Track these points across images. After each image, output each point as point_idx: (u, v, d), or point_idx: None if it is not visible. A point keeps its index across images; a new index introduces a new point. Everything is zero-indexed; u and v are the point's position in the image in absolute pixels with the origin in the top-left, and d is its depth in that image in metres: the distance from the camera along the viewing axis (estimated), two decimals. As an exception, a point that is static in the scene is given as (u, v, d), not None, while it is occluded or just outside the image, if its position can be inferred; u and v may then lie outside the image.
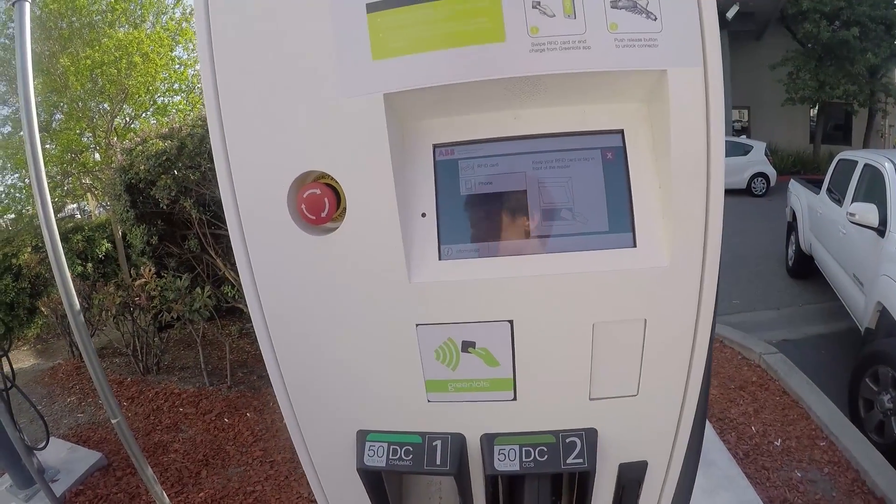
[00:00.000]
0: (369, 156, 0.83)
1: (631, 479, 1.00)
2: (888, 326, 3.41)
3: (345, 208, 0.86)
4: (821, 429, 3.27)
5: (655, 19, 0.79)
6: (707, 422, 3.21)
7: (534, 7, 0.78)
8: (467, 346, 0.90)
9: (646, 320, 0.87)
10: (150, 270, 4.12)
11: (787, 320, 5.38)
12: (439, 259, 0.87)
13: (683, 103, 0.80)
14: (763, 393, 3.73)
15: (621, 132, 0.87)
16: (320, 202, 0.84)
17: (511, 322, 0.88)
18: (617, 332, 0.88)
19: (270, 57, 0.84)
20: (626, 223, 0.86)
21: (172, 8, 8.69)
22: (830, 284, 5.05)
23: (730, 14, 14.53)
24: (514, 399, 0.93)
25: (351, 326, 0.91)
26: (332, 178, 0.86)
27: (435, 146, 0.89)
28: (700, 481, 2.58)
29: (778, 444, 3.16)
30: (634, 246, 0.85)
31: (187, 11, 8.64)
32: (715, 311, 0.91)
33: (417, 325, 0.89)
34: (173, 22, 8.55)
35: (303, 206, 0.85)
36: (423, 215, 0.88)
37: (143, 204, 4.77)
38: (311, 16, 0.82)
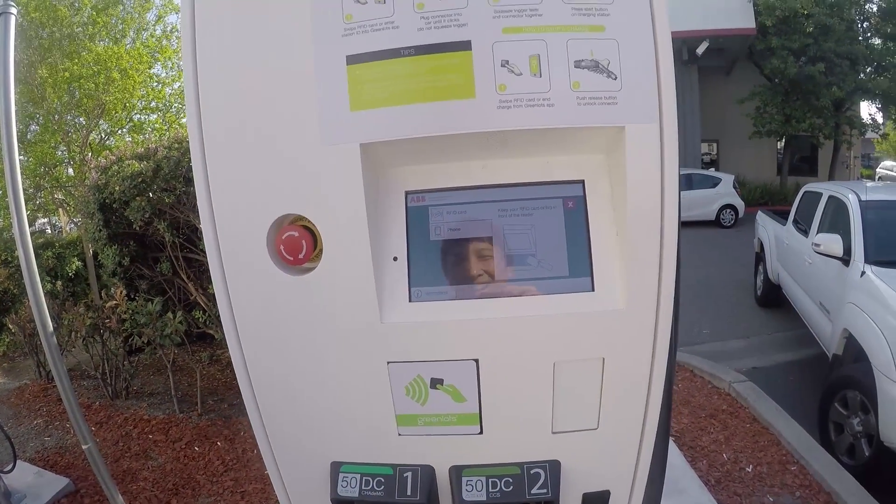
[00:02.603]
0: (344, 201, 0.87)
1: (595, 508, 1.04)
2: (855, 352, 3.51)
3: (321, 250, 0.90)
4: (791, 454, 3.32)
5: (615, 78, 0.86)
6: (678, 450, 3.25)
7: (502, 66, 0.85)
8: (435, 382, 0.94)
9: (604, 359, 0.92)
10: (121, 292, 4.06)
11: (757, 349, 5.48)
12: (410, 301, 0.92)
13: (639, 157, 0.86)
14: (733, 420, 3.78)
15: (582, 182, 0.93)
16: (298, 244, 0.88)
17: (476, 361, 0.92)
18: (577, 370, 0.93)
19: (253, 103, 0.88)
20: (586, 268, 0.91)
21: (153, 25, 8.69)
22: (798, 313, 5.18)
23: (700, 50, 15.08)
24: (481, 433, 0.97)
25: (326, 362, 0.95)
26: (310, 221, 0.90)
27: (407, 193, 0.95)
28: (670, 510, 2.62)
29: (749, 470, 3.20)
30: (593, 290, 0.91)
31: (168, 29, 8.65)
32: (672, 350, 0.96)
33: (389, 362, 0.93)
34: (153, 39, 8.53)
35: (281, 247, 0.89)
36: (395, 259, 0.93)
37: (117, 224, 4.71)
38: (294, 64, 0.87)
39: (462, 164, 0.94)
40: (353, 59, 0.86)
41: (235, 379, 1.01)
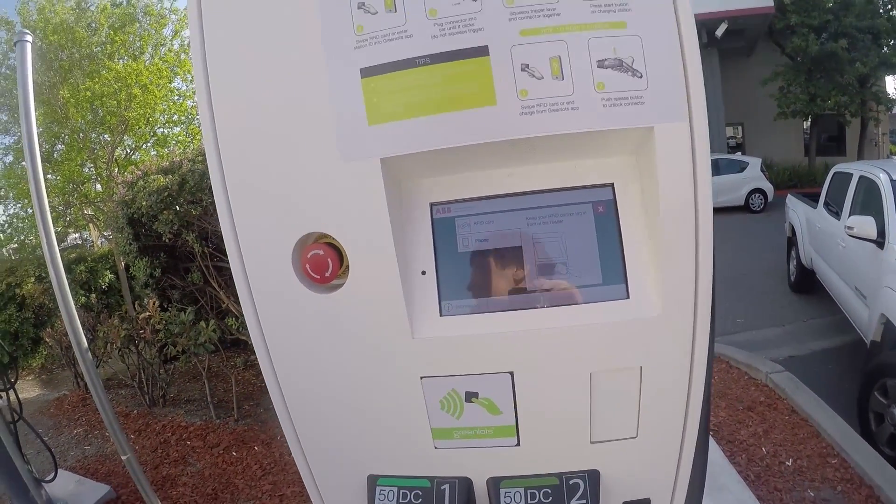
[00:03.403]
0: (368, 217, 0.86)
1: (635, 517, 1.01)
2: (893, 338, 3.38)
3: (348, 266, 0.89)
4: (832, 446, 3.22)
5: (641, 77, 0.82)
6: (717, 445, 3.18)
7: (522, 70, 0.82)
8: (470, 396, 0.92)
9: (641, 368, 0.89)
10: (154, 303, 4.14)
11: (793, 336, 5.33)
12: (440, 315, 0.90)
13: (670, 158, 0.83)
14: (772, 413, 3.68)
15: (612, 186, 0.90)
16: (324, 262, 0.87)
17: (511, 373, 0.90)
18: (614, 379, 0.90)
19: (268, 123, 0.87)
20: (619, 275, 0.88)
21: (171, 40, 8.84)
22: (833, 298, 5.02)
23: (719, 32, 14.73)
24: (518, 444, 0.95)
25: (359, 378, 0.94)
26: (334, 238, 0.89)
27: (432, 205, 0.93)
28: (710, 508, 2.56)
29: (789, 465, 3.11)
30: (627, 297, 0.88)
31: (185, 43, 8.78)
32: (710, 356, 0.93)
33: (422, 377, 0.92)
34: (171, 53, 8.67)
35: (307, 266, 0.88)
36: (423, 273, 0.91)
37: (146, 237, 4.81)
38: (310, 81, 0.86)
39: (487, 172, 0.91)
40: (367, 72, 0.84)
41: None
